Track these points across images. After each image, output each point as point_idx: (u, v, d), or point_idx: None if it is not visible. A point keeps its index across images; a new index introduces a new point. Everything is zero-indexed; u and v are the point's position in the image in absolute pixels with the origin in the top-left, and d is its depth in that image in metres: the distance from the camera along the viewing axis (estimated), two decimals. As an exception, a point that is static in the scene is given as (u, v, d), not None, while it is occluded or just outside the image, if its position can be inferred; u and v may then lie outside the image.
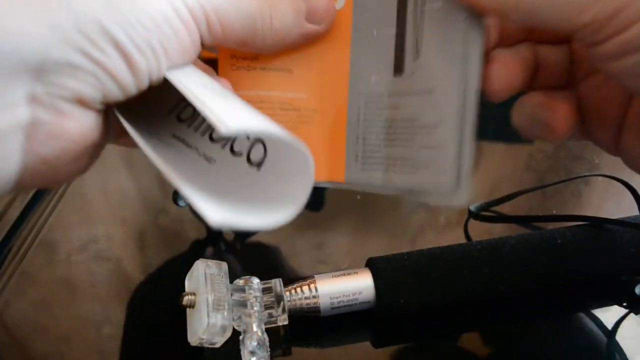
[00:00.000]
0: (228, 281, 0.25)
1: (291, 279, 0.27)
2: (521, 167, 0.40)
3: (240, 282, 0.26)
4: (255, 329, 0.24)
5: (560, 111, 0.21)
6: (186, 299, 0.24)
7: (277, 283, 0.26)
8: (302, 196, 0.18)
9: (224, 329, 0.23)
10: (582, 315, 0.29)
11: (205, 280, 0.24)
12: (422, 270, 0.27)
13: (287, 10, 0.21)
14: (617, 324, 0.28)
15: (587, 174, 0.39)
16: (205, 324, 0.23)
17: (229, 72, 0.23)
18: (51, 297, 0.31)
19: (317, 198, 0.37)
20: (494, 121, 0.35)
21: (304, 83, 0.23)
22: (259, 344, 0.24)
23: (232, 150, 0.22)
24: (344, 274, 0.27)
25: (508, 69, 0.21)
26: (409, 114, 0.22)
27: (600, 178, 0.38)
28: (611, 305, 0.29)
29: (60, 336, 0.28)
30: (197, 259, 0.25)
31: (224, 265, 0.25)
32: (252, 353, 0.24)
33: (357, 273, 0.27)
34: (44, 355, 0.27)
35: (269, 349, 0.24)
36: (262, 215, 0.18)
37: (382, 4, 0.22)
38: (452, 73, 0.20)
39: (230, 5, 0.19)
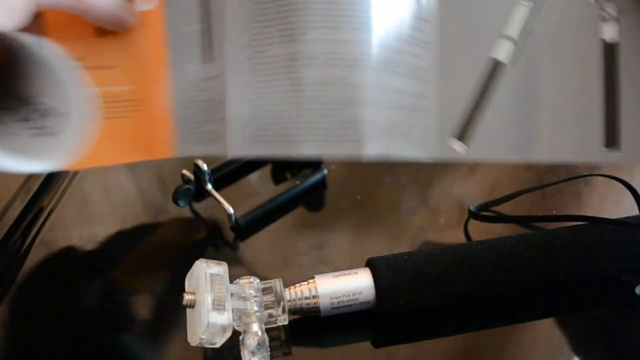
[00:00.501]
0: (228, 281, 0.25)
1: (291, 279, 0.27)
2: (521, 167, 0.40)
3: (240, 282, 0.26)
4: (255, 329, 0.24)
5: None
6: (186, 299, 0.24)
7: (277, 283, 0.26)
8: (64, 150, 0.24)
9: (224, 329, 0.23)
10: (581, 315, 0.29)
11: (205, 280, 0.24)
12: (422, 270, 0.27)
13: None
14: (617, 323, 0.28)
15: (587, 174, 0.39)
16: (205, 324, 0.23)
17: None
18: (51, 297, 0.31)
19: (317, 198, 0.37)
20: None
21: (125, 77, 0.27)
22: (259, 344, 0.24)
23: (30, 127, 0.25)
24: (344, 274, 0.27)
25: None
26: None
27: (600, 178, 0.38)
28: (611, 305, 0.29)
29: (60, 336, 0.28)
30: (197, 259, 0.25)
31: (224, 265, 0.25)
32: (252, 353, 0.24)
33: (357, 273, 0.27)
34: (44, 355, 0.27)
35: (269, 349, 0.24)
36: (26, 163, 0.23)
37: (188, 3, 0.26)
38: None
39: None
